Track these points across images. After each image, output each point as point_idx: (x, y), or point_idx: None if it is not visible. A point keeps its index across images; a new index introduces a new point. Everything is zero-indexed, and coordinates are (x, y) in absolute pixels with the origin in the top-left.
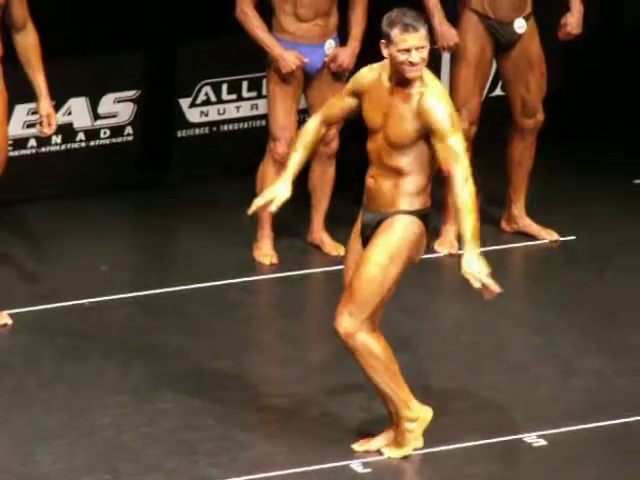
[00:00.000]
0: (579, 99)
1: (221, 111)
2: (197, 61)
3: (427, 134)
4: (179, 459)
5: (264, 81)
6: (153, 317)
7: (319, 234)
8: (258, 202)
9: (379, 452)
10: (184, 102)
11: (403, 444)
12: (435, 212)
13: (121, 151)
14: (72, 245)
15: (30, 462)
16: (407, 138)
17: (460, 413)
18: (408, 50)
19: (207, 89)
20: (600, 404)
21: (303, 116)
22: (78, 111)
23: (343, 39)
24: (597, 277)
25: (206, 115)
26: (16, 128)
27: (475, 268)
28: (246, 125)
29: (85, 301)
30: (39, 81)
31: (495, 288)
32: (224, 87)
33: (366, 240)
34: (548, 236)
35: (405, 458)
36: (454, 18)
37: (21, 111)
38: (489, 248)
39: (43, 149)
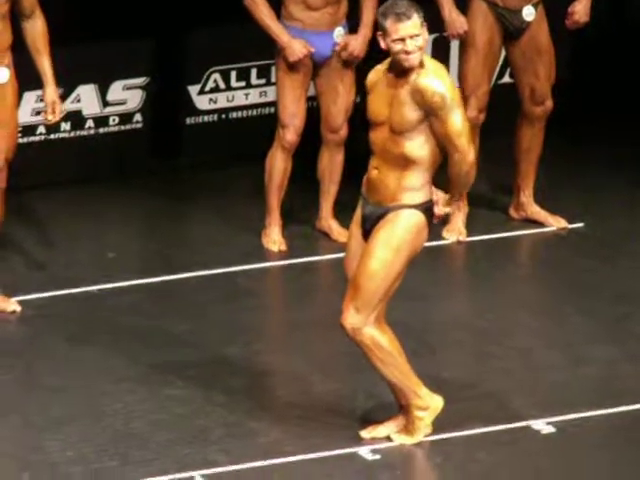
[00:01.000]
0: (587, 86)
1: (230, 98)
2: (206, 48)
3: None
4: (188, 446)
5: (273, 68)
6: (162, 304)
7: (327, 221)
8: None
9: (388, 438)
10: (193, 89)
11: (414, 432)
12: None
13: (130, 138)
14: (81, 232)
15: (40, 449)
16: (408, 123)
17: (469, 400)
18: (402, 39)
19: (216, 76)
20: (609, 391)
21: (312, 104)
22: (87, 98)
23: (352, 27)
24: (606, 264)
25: (215, 102)
26: (25, 115)
27: (440, 193)
28: (255, 112)
29: (95, 287)
30: (46, 69)
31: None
32: (233, 74)
33: (366, 232)
34: (556, 223)
35: (414, 445)
36: (463, 6)
37: (30, 98)
38: (497, 235)
39: (52, 136)
